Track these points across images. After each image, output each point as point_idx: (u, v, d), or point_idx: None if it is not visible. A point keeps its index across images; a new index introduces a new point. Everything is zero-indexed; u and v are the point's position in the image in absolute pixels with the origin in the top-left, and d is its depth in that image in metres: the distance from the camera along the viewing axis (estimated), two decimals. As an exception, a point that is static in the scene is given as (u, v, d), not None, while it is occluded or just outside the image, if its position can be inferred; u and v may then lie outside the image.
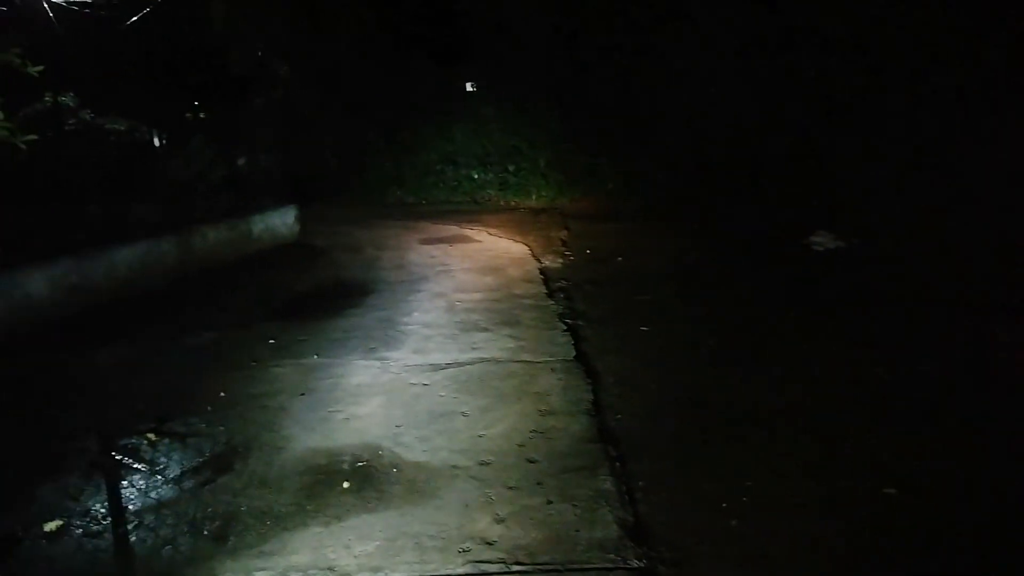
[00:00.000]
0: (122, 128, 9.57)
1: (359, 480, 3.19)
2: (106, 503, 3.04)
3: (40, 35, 6.48)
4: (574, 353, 4.86)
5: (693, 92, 12.05)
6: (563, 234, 10.21)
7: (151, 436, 3.65)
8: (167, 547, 2.70)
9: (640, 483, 3.12)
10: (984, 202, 6.98)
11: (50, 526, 2.81)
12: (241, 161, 13.21)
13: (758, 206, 9.62)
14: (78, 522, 2.88)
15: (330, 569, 2.54)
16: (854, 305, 5.87)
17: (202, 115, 11.79)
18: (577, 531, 2.74)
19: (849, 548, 2.61)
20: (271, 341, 5.31)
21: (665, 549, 2.63)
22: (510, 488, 3.08)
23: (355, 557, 2.61)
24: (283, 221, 9.72)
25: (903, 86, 8.43)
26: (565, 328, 5.48)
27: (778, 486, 3.06)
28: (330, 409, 4.01)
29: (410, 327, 5.62)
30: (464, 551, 2.63)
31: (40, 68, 5.31)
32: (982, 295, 5.81)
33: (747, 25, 10.94)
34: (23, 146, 5.12)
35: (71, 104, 8.26)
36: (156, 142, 10.42)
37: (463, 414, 3.90)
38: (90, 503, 3.03)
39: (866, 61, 8.86)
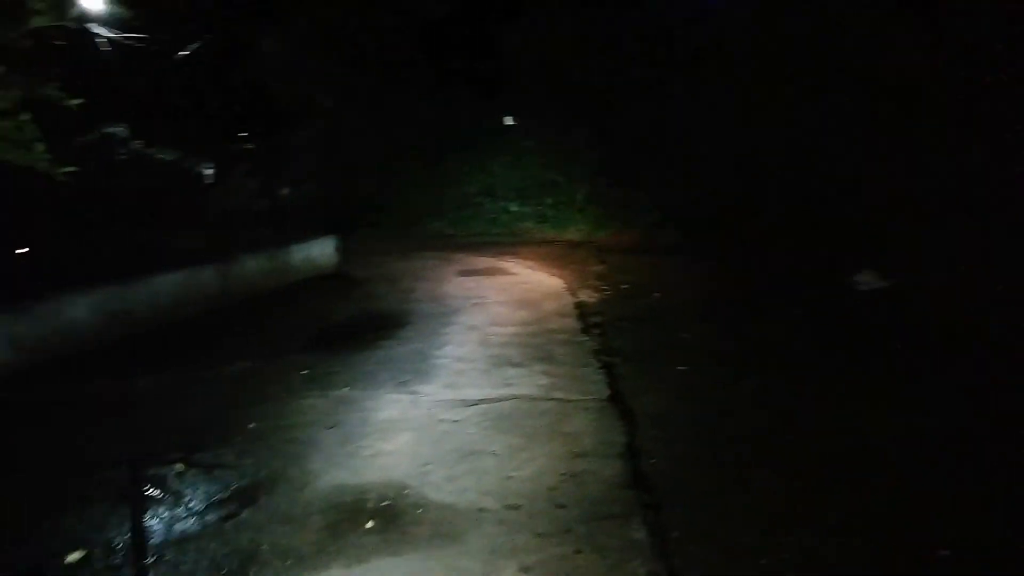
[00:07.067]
0: (170, 159, 9.86)
1: (383, 520, 3.11)
2: (129, 535, 3.01)
3: (90, 68, 6.70)
4: (608, 392, 4.73)
5: (733, 128, 11.93)
6: (600, 268, 10.10)
7: (180, 467, 3.64)
8: (186, 584, 2.65)
9: (674, 534, 2.97)
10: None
11: (72, 557, 2.79)
12: (284, 191, 13.51)
13: (801, 243, 9.37)
14: (100, 554, 2.85)
15: (349, 615, 2.46)
16: (897, 348, 5.62)
17: (248, 146, 12.11)
18: (607, 585, 2.61)
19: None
20: (304, 372, 5.31)
21: (700, 608, 2.49)
22: (538, 535, 2.96)
23: (375, 603, 2.52)
24: (322, 251, 9.82)
25: (947, 122, 8.18)
26: (600, 366, 5.35)
27: (823, 544, 2.88)
28: (358, 444, 3.95)
29: (442, 360, 5.57)
30: (488, 602, 2.52)
31: (79, 101, 5.45)
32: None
33: (786, 64, 10.82)
34: (62, 177, 5.25)
35: (122, 135, 8.53)
36: (202, 172, 10.72)
37: (493, 453, 3.80)
38: (114, 535, 3.01)
39: (908, 98, 8.64)
